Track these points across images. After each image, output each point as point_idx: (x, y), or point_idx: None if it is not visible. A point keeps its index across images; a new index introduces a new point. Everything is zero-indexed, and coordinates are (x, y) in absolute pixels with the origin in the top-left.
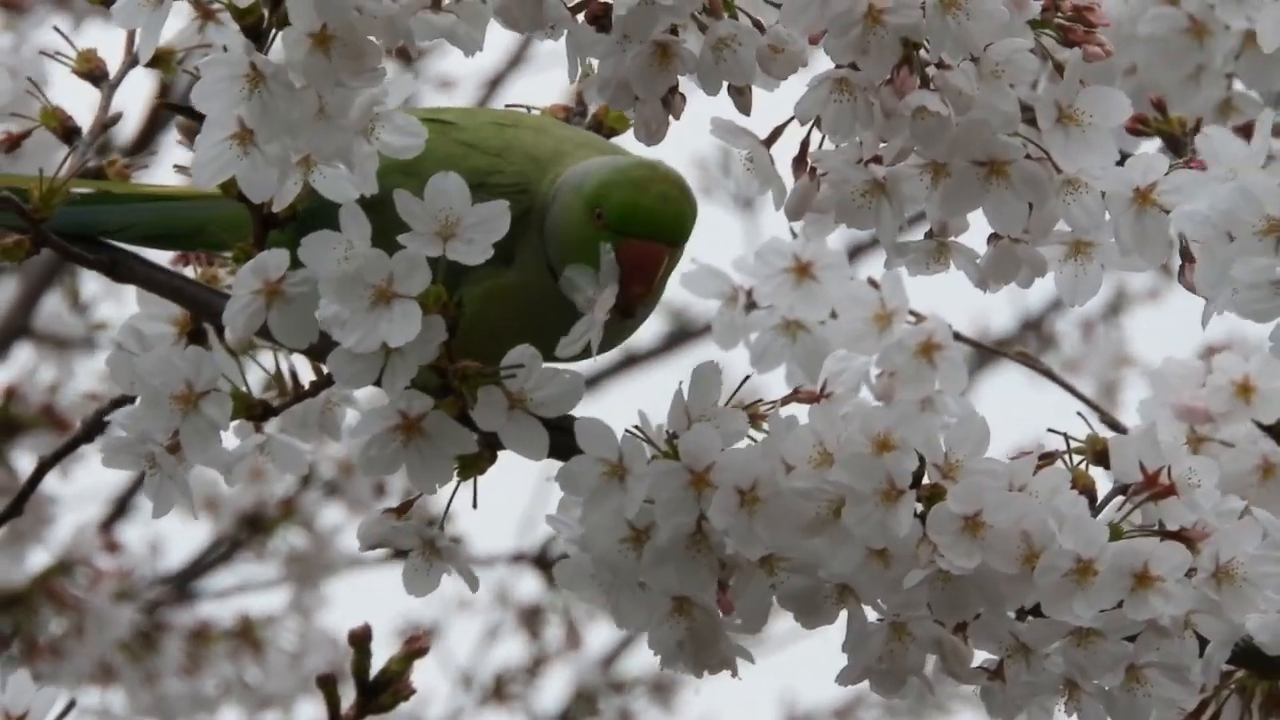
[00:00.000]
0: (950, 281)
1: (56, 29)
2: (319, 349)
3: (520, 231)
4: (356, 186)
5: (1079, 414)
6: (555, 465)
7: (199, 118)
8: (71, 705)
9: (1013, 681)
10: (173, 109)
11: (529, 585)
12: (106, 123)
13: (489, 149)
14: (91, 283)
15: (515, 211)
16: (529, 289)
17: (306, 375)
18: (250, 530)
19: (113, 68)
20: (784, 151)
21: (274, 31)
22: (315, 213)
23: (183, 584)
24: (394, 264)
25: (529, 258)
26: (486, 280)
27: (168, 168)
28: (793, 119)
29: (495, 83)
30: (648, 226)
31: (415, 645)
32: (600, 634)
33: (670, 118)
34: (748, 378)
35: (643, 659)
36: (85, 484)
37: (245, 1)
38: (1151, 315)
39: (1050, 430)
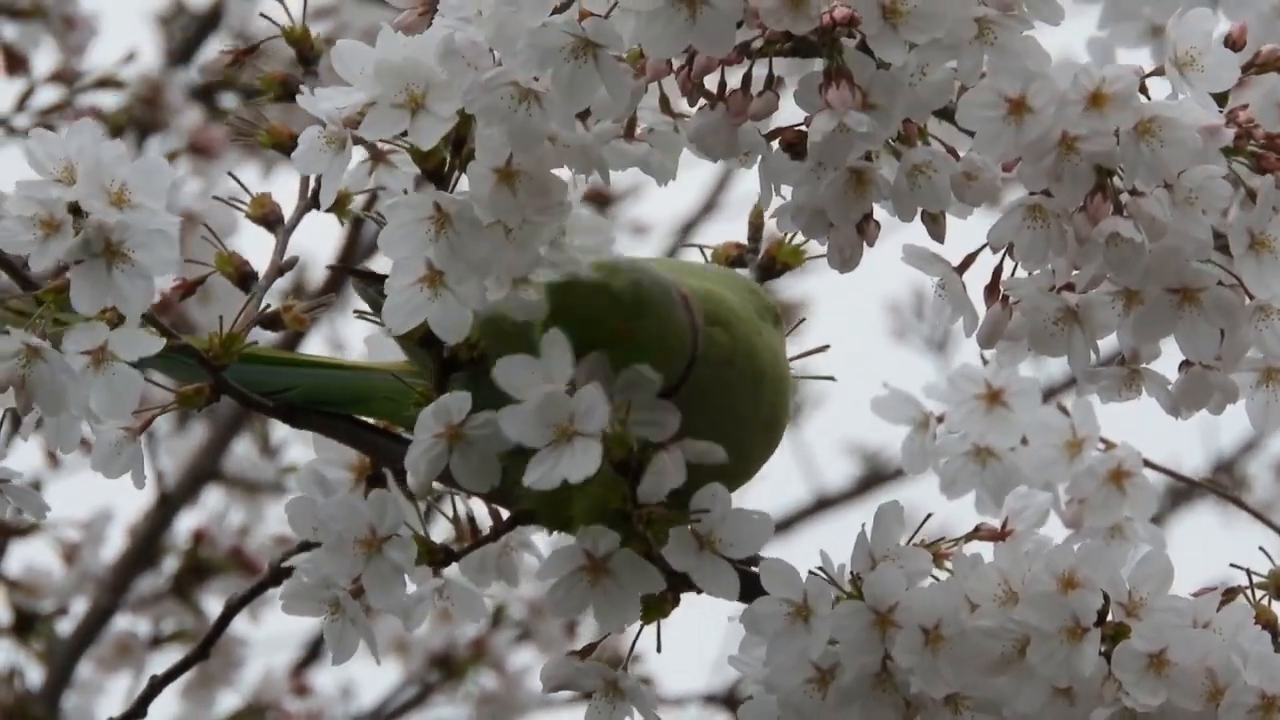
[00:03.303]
0: (1143, 422)
1: (231, 175)
2: (500, 493)
3: None
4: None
5: (1261, 549)
6: (739, 606)
7: (370, 278)
8: None
9: None
10: (347, 272)
11: None
12: (282, 267)
13: None
14: (281, 428)
15: None
16: None
17: (484, 520)
18: (441, 672)
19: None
20: (976, 279)
21: (455, 176)
22: (490, 355)
23: None
24: (574, 403)
25: None
26: None
27: (350, 310)
28: (985, 246)
29: (687, 228)
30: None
31: None
32: None
33: (864, 244)
34: (930, 515)
35: None
36: (276, 629)
37: (429, 144)
38: None
39: (1233, 565)
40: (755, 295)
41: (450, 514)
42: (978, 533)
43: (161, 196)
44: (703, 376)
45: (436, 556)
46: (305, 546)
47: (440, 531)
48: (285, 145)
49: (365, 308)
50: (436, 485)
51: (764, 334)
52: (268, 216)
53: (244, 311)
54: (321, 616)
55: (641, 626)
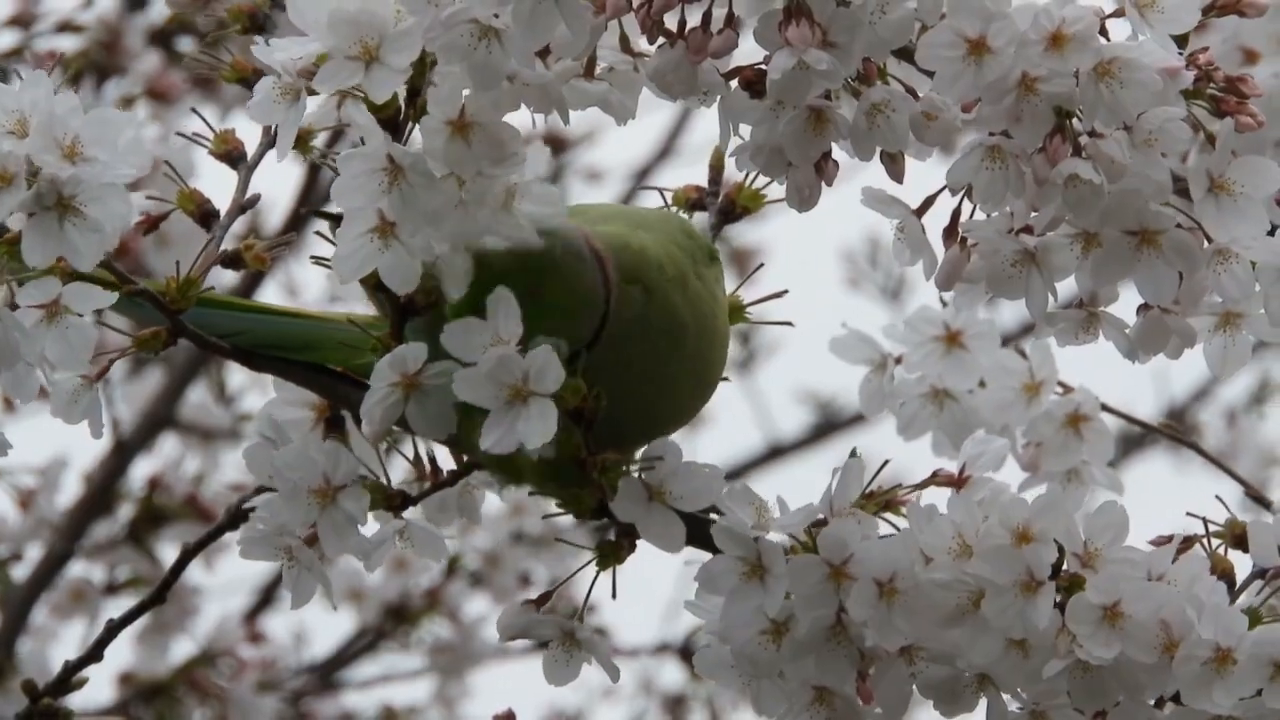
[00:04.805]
0: (1096, 367)
1: (194, 110)
2: (458, 439)
3: None
4: None
5: (1218, 498)
6: (695, 552)
7: (338, 220)
8: None
9: None
10: (318, 215)
11: (672, 674)
12: (244, 205)
13: None
14: (238, 375)
15: None
16: None
17: (445, 461)
18: (395, 621)
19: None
20: (934, 222)
21: (411, 125)
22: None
23: (327, 674)
24: (528, 362)
25: None
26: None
27: (307, 255)
28: (944, 189)
29: (643, 174)
30: None
31: None
32: None
33: (823, 183)
34: (886, 462)
35: None
36: (230, 574)
37: (382, 97)
38: None
39: (1189, 514)
40: (691, 239)
41: (410, 455)
42: (934, 479)
43: (114, 149)
44: (617, 332)
45: (393, 502)
46: (263, 491)
47: (400, 470)
48: (249, 80)
49: (322, 254)
50: (395, 428)
51: (691, 283)
52: (231, 153)
53: (205, 250)
54: (279, 562)
55: (597, 574)
